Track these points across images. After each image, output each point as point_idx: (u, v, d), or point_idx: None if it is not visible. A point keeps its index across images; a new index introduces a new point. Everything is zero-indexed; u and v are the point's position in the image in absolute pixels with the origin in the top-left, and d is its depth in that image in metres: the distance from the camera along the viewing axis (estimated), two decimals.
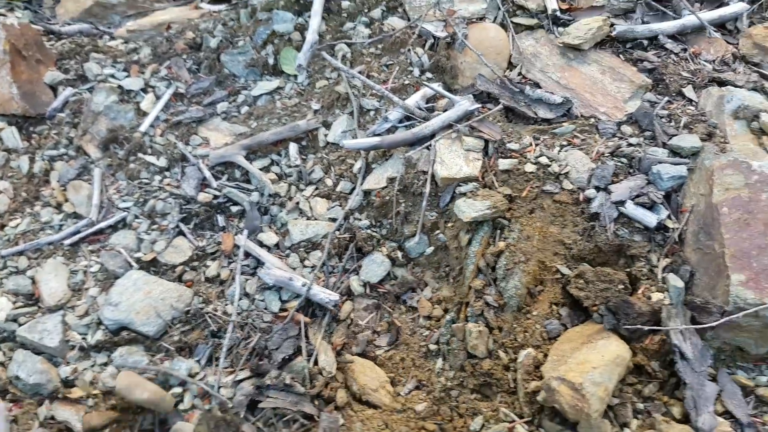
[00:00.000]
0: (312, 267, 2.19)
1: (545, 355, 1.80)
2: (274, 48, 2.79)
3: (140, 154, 2.60)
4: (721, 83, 2.18)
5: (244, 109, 2.68)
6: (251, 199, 2.36)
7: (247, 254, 2.25)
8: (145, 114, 2.73)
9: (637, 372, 1.76)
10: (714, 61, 2.32)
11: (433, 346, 2.00)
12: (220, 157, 2.49)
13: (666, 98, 2.21)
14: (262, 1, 2.95)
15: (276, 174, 2.43)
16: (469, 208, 2.03)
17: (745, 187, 1.84)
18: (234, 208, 2.38)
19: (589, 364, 1.64)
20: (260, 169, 2.43)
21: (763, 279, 1.71)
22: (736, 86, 2.15)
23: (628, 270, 1.91)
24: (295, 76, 2.69)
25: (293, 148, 2.46)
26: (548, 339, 1.85)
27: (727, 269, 1.72)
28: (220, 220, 2.37)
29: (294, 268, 2.21)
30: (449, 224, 2.15)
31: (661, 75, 2.26)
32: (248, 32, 2.91)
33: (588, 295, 1.84)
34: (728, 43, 2.35)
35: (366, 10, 2.75)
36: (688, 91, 2.20)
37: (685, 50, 2.34)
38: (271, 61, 2.77)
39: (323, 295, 2.08)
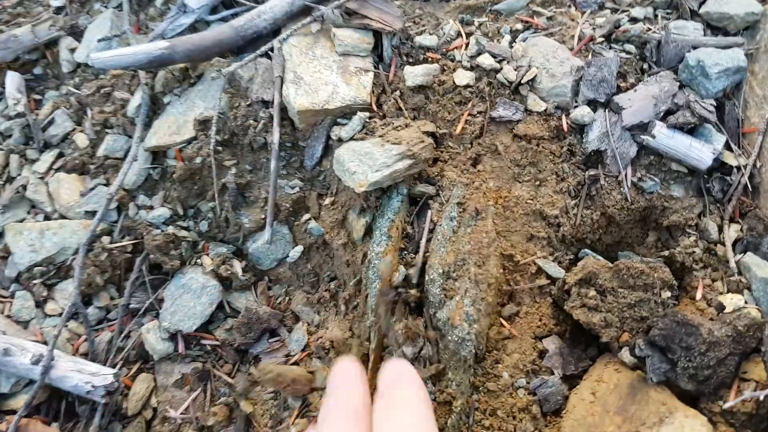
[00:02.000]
0: (59, 314, 1.06)
1: None
2: None
3: None
4: None
5: None
6: None
7: None
8: None
9: None
10: None
11: None
12: None
13: None
14: None
15: None
16: (361, 165, 0.97)
17: None
18: None
19: None
20: None
21: None
22: None
23: (665, 254, 0.98)
24: None
25: (13, 81, 1.23)
26: (543, 416, 0.90)
27: None
28: None
29: (24, 323, 1.06)
30: (327, 200, 1.09)
31: None
32: None
33: (608, 319, 0.89)
34: None
35: None
36: None
37: None
38: None
39: (81, 376, 0.98)
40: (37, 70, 1.24)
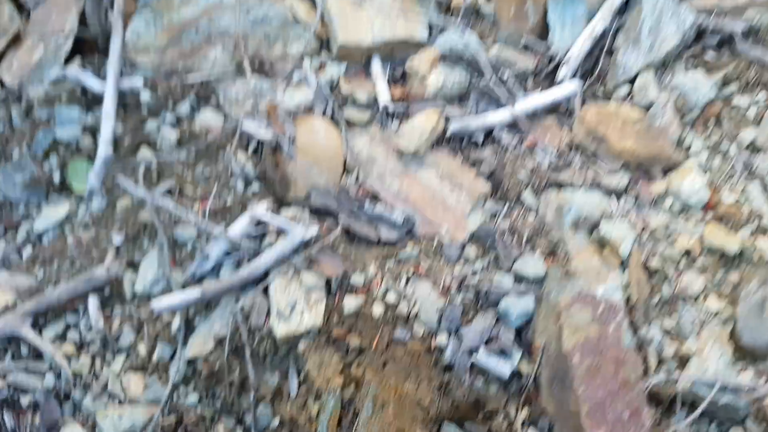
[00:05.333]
0: None
1: None
2: (59, 159, 2.04)
3: None
4: (559, 185, 1.88)
5: (28, 250, 1.93)
6: (45, 384, 1.69)
7: None
8: None
9: None
10: (551, 153, 1.98)
11: None
12: (0, 332, 1.75)
13: (506, 205, 1.88)
14: (40, 94, 2.14)
15: (74, 343, 1.76)
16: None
17: (594, 323, 1.59)
18: (25, 400, 1.70)
19: None
20: (54, 339, 1.75)
21: (619, 430, 1.49)
22: (574, 186, 1.85)
23: (489, 429, 1.61)
24: (90, 196, 1.98)
25: (93, 304, 1.80)
26: None
27: (583, 430, 1.48)
28: (7, 419, 1.68)
29: None
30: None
31: (499, 178, 1.92)
32: (25, 138, 2.11)
33: None
34: (564, 126, 2.05)
35: (171, 105, 2.08)
36: (528, 196, 1.88)
37: (521, 142, 2.01)
38: (57, 177, 2.02)
39: None
40: (106, 293, 1.81)
